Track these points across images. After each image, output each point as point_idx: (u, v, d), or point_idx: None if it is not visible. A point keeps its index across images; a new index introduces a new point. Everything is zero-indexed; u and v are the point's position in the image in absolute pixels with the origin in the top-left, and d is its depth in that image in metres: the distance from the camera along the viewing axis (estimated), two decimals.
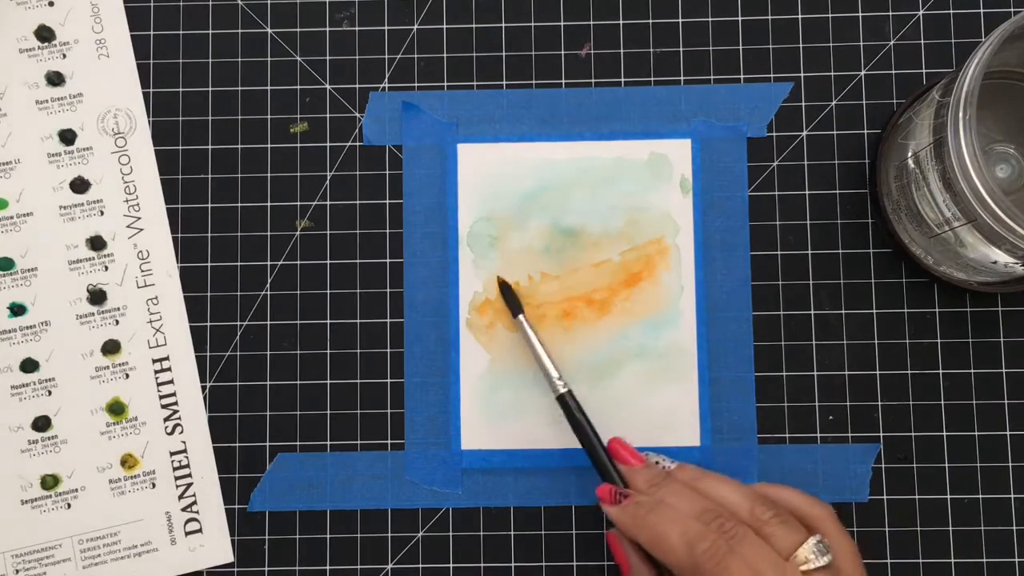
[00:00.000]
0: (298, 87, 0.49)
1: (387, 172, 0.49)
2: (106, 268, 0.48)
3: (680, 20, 0.49)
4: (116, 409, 0.48)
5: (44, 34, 0.49)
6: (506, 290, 0.47)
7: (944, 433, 0.47)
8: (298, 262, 0.49)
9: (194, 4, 0.50)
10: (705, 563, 0.38)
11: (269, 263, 0.49)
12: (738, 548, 0.38)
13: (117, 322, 0.48)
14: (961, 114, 0.38)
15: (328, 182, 0.49)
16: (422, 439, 0.48)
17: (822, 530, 0.39)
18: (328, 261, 0.49)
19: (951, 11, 0.49)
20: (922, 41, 0.49)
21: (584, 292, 0.48)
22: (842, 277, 0.48)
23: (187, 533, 0.47)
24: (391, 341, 0.48)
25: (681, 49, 0.49)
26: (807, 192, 0.48)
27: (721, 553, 0.38)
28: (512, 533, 0.47)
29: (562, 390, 0.45)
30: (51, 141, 0.49)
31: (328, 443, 0.48)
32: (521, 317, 0.47)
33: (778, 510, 0.39)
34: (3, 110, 0.49)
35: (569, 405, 0.45)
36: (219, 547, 0.48)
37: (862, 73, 0.49)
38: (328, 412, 0.48)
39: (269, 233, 0.49)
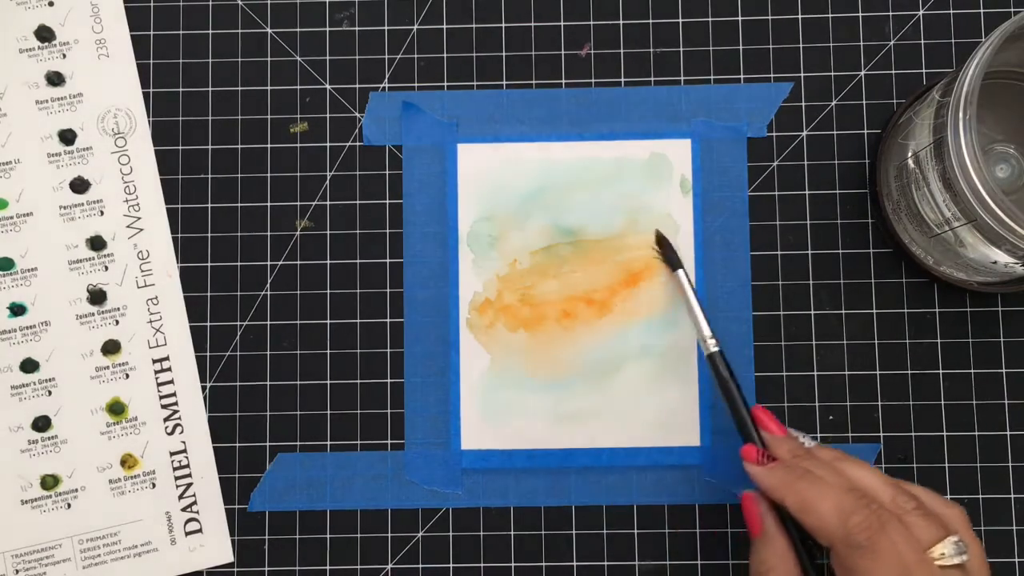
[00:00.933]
0: (298, 87, 0.49)
1: (387, 172, 0.49)
2: (106, 268, 0.48)
3: (680, 20, 0.49)
4: (116, 409, 0.48)
5: (44, 34, 0.49)
6: (664, 242, 0.47)
7: (944, 433, 0.47)
8: (298, 262, 0.49)
9: (194, 4, 0.50)
10: (858, 535, 0.37)
11: (269, 263, 0.49)
12: (888, 528, 0.38)
13: (117, 322, 0.48)
14: (961, 114, 0.38)
15: (328, 182, 0.49)
16: (422, 439, 0.48)
17: (955, 528, 0.39)
18: (328, 261, 0.49)
19: (951, 11, 0.49)
20: (922, 41, 0.49)
21: (584, 292, 0.48)
22: (842, 277, 0.48)
23: (187, 533, 0.47)
24: (391, 341, 0.48)
25: (681, 49, 0.49)
26: (807, 192, 0.48)
27: (874, 528, 0.37)
28: (512, 533, 0.47)
29: (713, 349, 0.45)
30: (51, 141, 0.49)
31: (328, 443, 0.48)
32: (681, 272, 0.46)
33: (919, 502, 0.39)
34: (3, 110, 0.49)
35: (717, 365, 0.44)
36: (219, 547, 0.48)
37: (862, 73, 0.49)
38: (328, 412, 0.48)
39: (269, 233, 0.49)
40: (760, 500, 0.42)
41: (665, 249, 0.47)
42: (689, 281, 0.46)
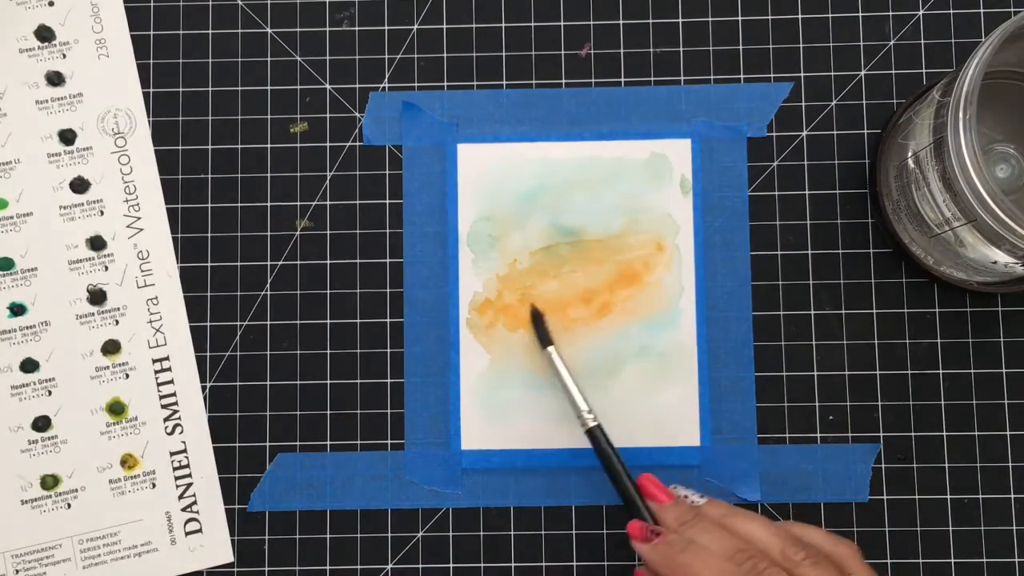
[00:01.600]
0: (298, 87, 0.49)
1: (387, 172, 0.49)
2: (106, 268, 0.48)
3: (680, 20, 0.49)
4: (116, 409, 0.48)
5: (44, 34, 0.49)
6: (537, 319, 0.47)
7: (944, 433, 0.47)
8: (298, 262, 0.49)
9: (194, 4, 0.50)
10: None
11: (269, 263, 0.49)
12: None
13: (117, 322, 0.48)
14: (961, 114, 0.38)
15: (328, 182, 0.49)
16: (422, 439, 0.48)
17: (849, 569, 0.39)
18: (328, 261, 0.49)
19: (951, 11, 0.49)
20: (922, 41, 0.49)
21: (584, 292, 0.48)
22: (842, 277, 0.48)
23: (187, 533, 0.47)
24: (391, 341, 0.48)
25: (681, 49, 0.49)
26: (807, 192, 0.48)
27: None
28: (512, 533, 0.47)
29: (591, 424, 0.45)
30: (51, 141, 0.49)
31: (328, 443, 0.48)
32: (551, 349, 0.46)
33: (809, 550, 0.39)
34: (3, 110, 0.49)
35: (599, 439, 0.44)
36: (219, 547, 0.48)
37: (862, 73, 0.49)
38: (328, 412, 0.48)
39: (269, 233, 0.49)
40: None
41: (538, 326, 0.47)
42: (561, 358, 0.46)
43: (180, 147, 0.49)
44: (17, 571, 0.47)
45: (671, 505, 0.42)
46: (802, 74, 0.49)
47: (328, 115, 0.49)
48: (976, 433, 0.47)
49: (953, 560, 0.47)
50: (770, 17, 0.49)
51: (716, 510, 0.42)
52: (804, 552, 0.39)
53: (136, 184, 0.49)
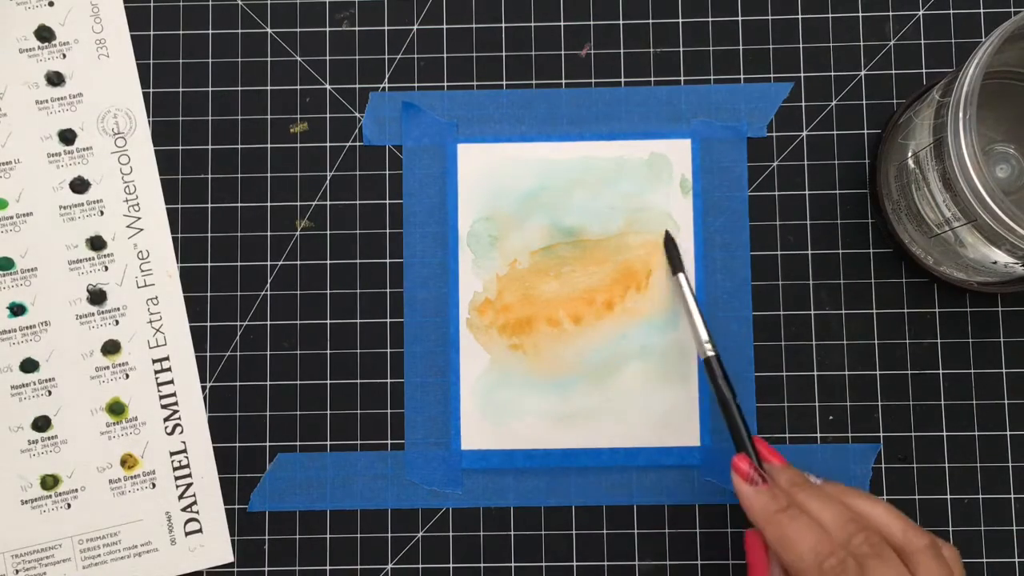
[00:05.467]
0: (298, 87, 0.49)
1: (387, 172, 0.49)
2: (106, 268, 0.48)
3: (680, 20, 0.49)
4: (116, 409, 0.48)
5: (44, 34, 0.49)
6: (671, 245, 0.47)
7: (944, 433, 0.47)
8: (298, 262, 0.49)
9: (194, 4, 0.50)
10: None
11: (269, 263, 0.49)
12: (872, 571, 0.35)
13: (117, 322, 0.48)
14: (961, 114, 0.38)
15: (328, 182, 0.49)
16: (422, 439, 0.48)
17: (956, 574, 0.37)
18: (328, 261, 0.49)
19: (951, 11, 0.49)
20: (922, 41, 0.49)
21: (584, 292, 0.48)
22: (842, 277, 0.48)
23: (187, 533, 0.47)
24: (391, 341, 0.48)
25: (681, 49, 0.49)
26: (807, 192, 0.48)
27: (850, 572, 0.35)
28: (512, 533, 0.47)
29: (710, 353, 0.44)
30: (51, 141, 0.49)
31: (328, 443, 0.48)
32: (681, 276, 0.46)
33: (934, 540, 0.36)
34: (3, 110, 0.49)
35: (714, 370, 0.43)
36: (219, 547, 0.48)
37: (862, 73, 0.49)
38: (328, 412, 0.48)
39: (269, 233, 0.49)
40: (763, 539, 0.39)
41: (671, 251, 0.47)
42: (689, 285, 0.46)
43: (180, 147, 0.49)
44: (17, 571, 0.47)
45: (785, 468, 0.40)
46: (802, 74, 0.49)
47: (328, 115, 0.49)
48: (976, 433, 0.47)
49: None
50: (770, 17, 0.49)
51: (836, 488, 0.39)
52: (929, 539, 0.36)
53: (136, 184, 0.49)
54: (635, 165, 0.48)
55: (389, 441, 0.48)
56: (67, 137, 0.49)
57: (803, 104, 0.49)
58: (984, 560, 0.47)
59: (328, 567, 0.47)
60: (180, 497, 0.48)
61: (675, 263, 0.47)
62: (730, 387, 0.43)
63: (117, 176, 0.49)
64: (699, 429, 0.47)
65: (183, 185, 0.49)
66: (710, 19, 0.49)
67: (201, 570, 0.48)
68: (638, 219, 0.48)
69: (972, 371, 0.47)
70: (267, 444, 0.48)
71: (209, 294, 0.49)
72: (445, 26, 0.50)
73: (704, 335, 0.45)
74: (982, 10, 0.49)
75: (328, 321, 0.48)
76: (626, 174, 0.48)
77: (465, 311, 0.48)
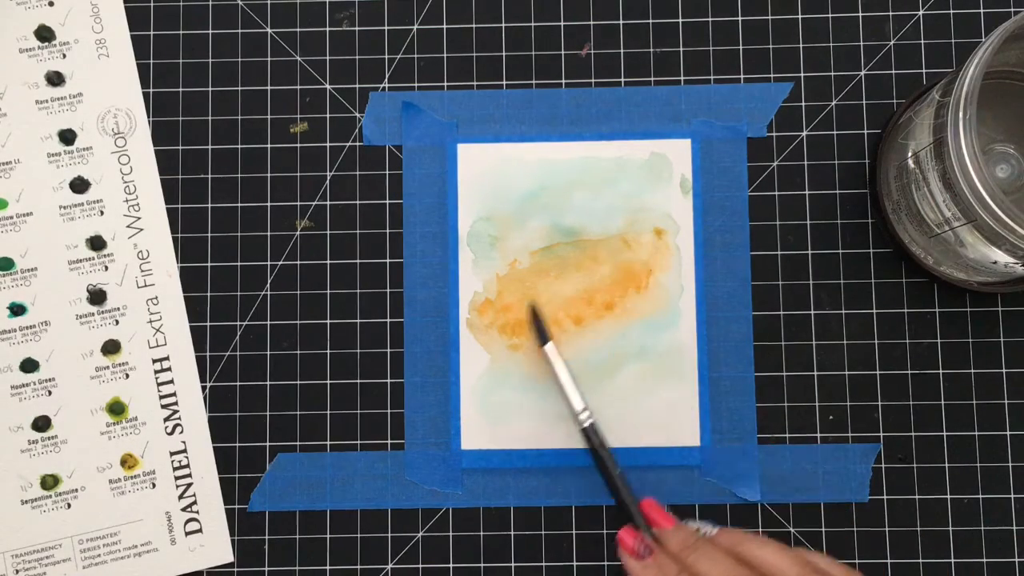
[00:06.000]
0: (298, 87, 0.49)
1: (387, 172, 0.49)
2: (106, 268, 0.48)
3: (680, 20, 0.49)
4: (116, 409, 0.48)
5: (44, 34, 0.49)
6: (535, 317, 0.47)
7: (944, 433, 0.47)
8: (298, 262, 0.49)
9: (194, 4, 0.50)
10: None
11: (269, 263, 0.49)
12: None
13: (117, 322, 0.48)
14: (961, 114, 0.38)
15: (328, 182, 0.49)
16: (422, 439, 0.48)
17: None
18: (328, 261, 0.49)
19: (951, 11, 0.49)
20: (922, 41, 0.49)
21: (584, 292, 0.48)
22: (842, 277, 0.48)
23: (187, 533, 0.47)
24: (391, 341, 0.48)
25: (681, 49, 0.49)
26: (807, 192, 0.48)
27: None
28: (512, 533, 0.47)
29: (585, 423, 0.44)
30: (51, 141, 0.49)
31: (328, 443, 0.48)
32: (549, 347, 0.46)
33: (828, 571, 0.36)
34: (3, 110, 0.49)
35: (591, 439, 0.44)
36: (219, 547, 0.48)
37: (862, 73, 0.49)
38: (328, 412, 0.48)
39: (269, 233, 0.49)
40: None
41: (536, 323, 0.47)
42: (559, 355, 0.46)
43: (180, 147, 0.49)
44: (17, 571, 0.47)
45: (675, 529, 0.40)
46: (802, 74, 0.49)
47: (328, 115, 0.49)
48: (976, 433, 0.47)
49: (953, 560, 0.47)
50: (770, 17, 0.49)
51: (728, 538, 0.39)
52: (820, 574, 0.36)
53: (136, 184, 0.49)
54: (635, 165, 0.48)
55: (389, 441, 0.48)
56: (67, 137, 0.49)
57: (803, 104, 0.49)
58: (984, 560, 0.47)
59: (328, 567, 0.47)
60: (180, 497, 0.48)
61: (541, 335, 0.46)
62: (609, 455, 0.43)
63: (117, 176, 0.49)
64: (699, 429, 0.47)
65: (183, 185, 0.49)
66: (710, 19, 0.49)
67: (201, 570, 0.48)
68: (638, 219, 0.48)
69: (972, 371, 0.47)
70: (267, 444, 0.48)
71: (209, 294, 0.49)
72: (445, 26, 0.50)
73: (579, 405, 0.45)
74: (982, 10, 0.49)
75: (328, 321, 0.48)
76: (626, 174, 0.48)
77: (465, 311, 0.48)
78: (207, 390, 0.48)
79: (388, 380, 0.48)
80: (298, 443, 0.48)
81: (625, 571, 0.40)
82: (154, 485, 0.48)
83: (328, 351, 0.48)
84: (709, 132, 0.49)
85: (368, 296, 0.49)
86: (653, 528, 0.41)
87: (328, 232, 0.49)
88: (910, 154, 0.44)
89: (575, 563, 0.47)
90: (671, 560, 0.38)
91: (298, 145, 0.49)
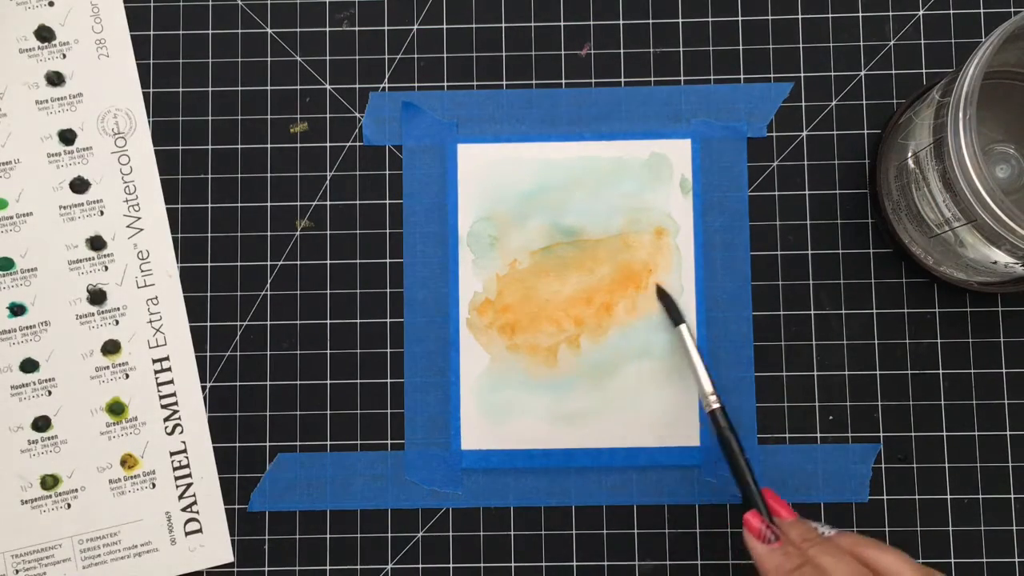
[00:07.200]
0: (298, 87, 0.49)
1: (387, 172, 0.49)
2: (106, 268, 0.48)
3: (680, 20, 0.49)
4: (116, 409, 0.48)
5: (44, 34, 0.49)
6: (666, 298, 0.47)
7: (944, 433, 0.47)
8: (298, 262, 0.49)
9: (194, 4, 0.50)
10: None
11: (269, 263, 0.49)
12: None
13: (117, 322, 0.48)
14: (961, 114, 0.38)
15: (328, 182, 0.49)
16: (422, 439, 0.48)
17: None
18: (328, 261, 0.49)
19: (951, 11, 0.49)
20: (922, 41, 0.49)
21: (584, 292, 0.48)
22: (842, 277, 0.48)
23: (187, 533, 0.47)
24: (391, 341, 0.48)
25: (681, 49, 0.49)
26: (807, 192, 0.48)
27: None
28: (512, 533, 0.47)
29: (714, 406, 0.44)
30: (51, 141, 0.49)
31: (328, 443, 0.48)
32: (683, 328, 0.46)
33: None
34: (3, 110, 0.49)
35: (719, 422, 0.43)
36: (219, 547, 0.48)
37: (862, 73, 0.49)
38: (328, 412, 0.48)
39: (269, 233, 0.49)
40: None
41: (667, 304, 0.47)
42: (692, 336, 0.46)
43: (180, 147, 0.49)
44: (17, 571, 0.47)
45: (795, 522, 0.40)
46: (802, 74, 0.49)
47: (328, 115, 0.49)
48: (976, 433, 0.47)
49: (953, 560, 0.47)
50: (770, 17, 0.49)
51: (848, 540, 0.38)
52: None
53: (136, 184, 0.49)
54: (635, 165, 0.48)
55: (389, 441, 0.48)
56: (67, 137, 0.49)
57: (803, 104, 0.49)
58: (984, 560, 0.47)
59: (328, 567, 0.47)
60: (180, 497, 0.48)
61: (675, 316, 0.46)
62: (736, 439, 0.43)
63: (117, 176, 0.49)
64: (699, 429, 0.47)
65: (183, 185, 0.49)
66: (710, 19, 0.49)
67: (201, 570, 0.48)
68: (638, 219, 0.48)
69: (972, 371, 0.47)
70: (267, 444, 0.48)
71: (209, 294, 0.49)
72: (445, 26, 0.50)
73: (708, 387, 0.44)
74: (982, 10, 0.49)
75: (328, 321, 0.48)
76: (626, 174, 0.48)
77: (465, 311, 0.48)
78: (207, 390, 0.48)
79: (388, 380, 0.48)
80: (298, 443, 0.48)
81: (747, 552, 0.39)
82: (154, 485, 0.48)
83: (328, 351, 0.48)
84: (709, 132, 0.49)
85: (368, 296, 0.48)
86: (774, 517, 0.41)
87: (328, 232, 0.49)
88: (910, 154, 0.44)
89: (575, 563, 0.47)
90: (796, 550, 0.38)
91: (298, 145, 0.49)
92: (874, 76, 0.49)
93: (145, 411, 0.48)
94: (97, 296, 0.48)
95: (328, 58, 0.49)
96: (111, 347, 0.48)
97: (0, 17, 0.49)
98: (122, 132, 0.49)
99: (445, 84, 0.49)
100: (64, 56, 0.49)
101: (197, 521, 0.48)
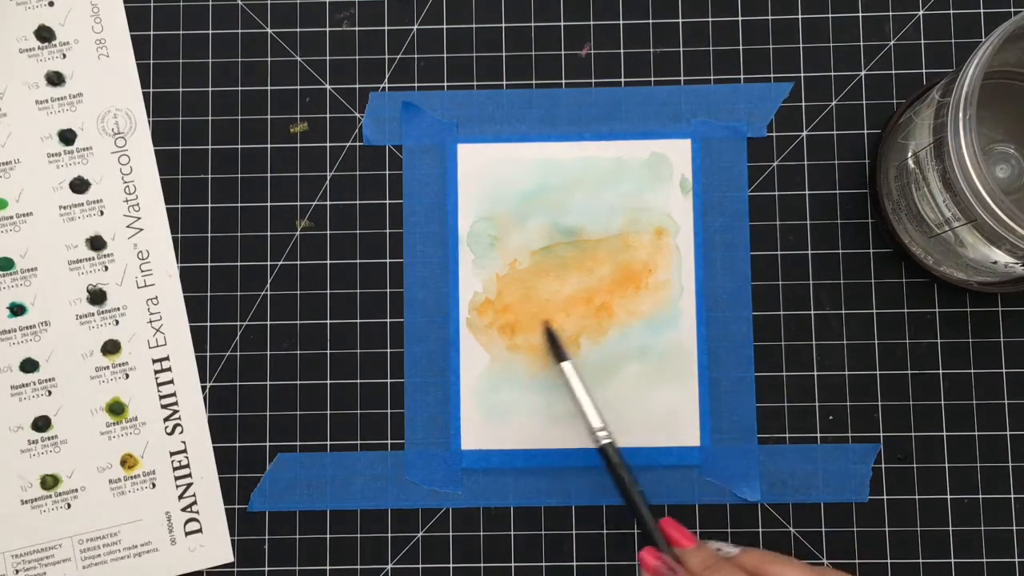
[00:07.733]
0: (298, 87, 0.49)
1: (387, 172, 0.49)
2: (106, 268, 0.48)
3: (680, 20, 0.49)
4: (116, 409, 0.48)
5: (44, 34, 0.49)
6: (550, 335, 0.47)
7: (944, 433, 0.47)
8: (298, 262, 0.49)
9: (194, 4, 0.50)
10: None
11: (269, 263, 0.49)
12: None
13: (117, 322, 0.48)
14: (961, 114, 0.38)
15: (328, 182, 0.49)
16: (422, 439, 0.48)
17: None
18: (328, 261, 0.49)
19: (951, 11, 0.49)
20: (922, 41, 0.49)
21: (584, 292, 0.48)
22: (842, 277, 0.48)
23: (187, 533, 0.47)
24: (391, 341, 0.48)
25: (681, 49, 0.49)
26: (807, 192, 0.48)
27: None
28: (512, 533, 0.47)
29: (604, 442, 0.43)
30: (51, 141, 0.49)
31: (328, 443, 0.48)
32: (566, 364, 0.45)
33: None
34: (3, 110, 0.49)
35: (611, 458, 0.43)
36: (219, 547, 0.48)
37: (862, 73, 0.49)
38: (328, 412, 0.48)
39: (269, 233, 0.49)
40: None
41: (551, 341, 0.46)
42: (577, 373, 0.45)
43: (180, 147, 0.49)
44: (17, 571, 0.47)
45: (695, 549, 0.39)
46: (802, 74, 0.49)
47: (328, 115, 0.49)
48: (976, 433, 0.47)
49: (953, 560, 0.47)
50: (770, 17, 0.49)
51: (750, 558, 0.38)
52: None
53: (136, 184, 0.49)
54: (635, 165, 0.48)
55: (389, 441, 0.48)
56: (67, 137, 0.49)
57: (803, 104, 0.49)
58: (984, 560, 0.47)
59: (328, 567, 0.47)
60: (180, 497, 0.48)
61: (558, 353, 0.46)
62: (630, 474, 0.42)
63: (117, 176, 0.49)
64: (699, 429, 0.47)
65: (183, 185, 0.49)
66: (710, 19, 0.49)
67: (201, 570, 0.48)
68: (638, 219, 0.48)
69: (972, 371, 0.47)
70: (267, 444, 0.48)
71: (209, 294, 0.49)
72: (445, 26, 0.50)
73: (597, 423, 0.44)
74: (982, 10, 0.49)
75: (328, 321, 0.48)
76: (626, 174, 0.48)
77: (465, 311, 0.48)
78: (207, 390, 0.48)
79: (388, 380, 0.48)
80: (298, 443, 0.48)
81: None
82: (154, 485, 0.48)
83: (328, 351, 0.48)
84: (709, 132, 0.49)
85: (368, 296, 0.49)
86: (673, 547, 0.40)
87: (328, 232, 0.49)
88: (910, 154, 0.44)
89: (575, 563, 0.47)
90: None
91: (298, 145, 0.49)
92: (874, 76, 0.49)
93: (145, 411, 0.48)
94: (97, 296, 0.48)
95: (328, 58, 0.49)
96: (111, 347, 0.48)
97: (0, 17, 0.49)
98: (122, 132, 0.49)
99: (445, 84, 0.49)
100: (64, 56, 0.49)
101: (197, 521, 0.48)
